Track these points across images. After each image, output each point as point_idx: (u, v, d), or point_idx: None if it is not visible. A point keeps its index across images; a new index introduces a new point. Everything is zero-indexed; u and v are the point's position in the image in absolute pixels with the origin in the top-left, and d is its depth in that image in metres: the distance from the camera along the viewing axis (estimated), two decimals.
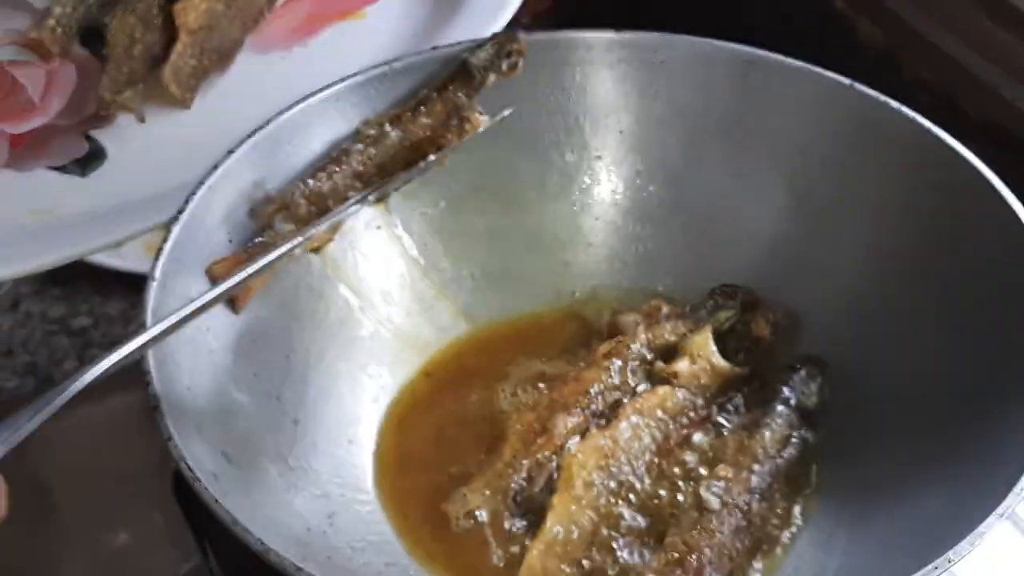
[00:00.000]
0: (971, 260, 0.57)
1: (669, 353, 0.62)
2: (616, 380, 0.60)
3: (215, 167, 0.57)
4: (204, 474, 0.47)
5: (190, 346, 0.54)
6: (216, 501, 0.46)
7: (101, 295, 0.81)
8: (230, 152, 0.58)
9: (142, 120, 0.69)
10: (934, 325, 0.58)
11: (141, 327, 0.50)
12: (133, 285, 0.79)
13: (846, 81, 0.62)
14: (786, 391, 0.59)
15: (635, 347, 0.61)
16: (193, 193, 0.56)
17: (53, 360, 0.77)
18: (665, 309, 0.64)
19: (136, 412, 0.64)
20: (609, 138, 0.67)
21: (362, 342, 0.62)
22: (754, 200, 0.65)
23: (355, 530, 0.56)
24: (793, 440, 0.58)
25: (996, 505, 0.46)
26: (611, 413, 0.59)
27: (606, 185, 0.67)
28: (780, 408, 0.59)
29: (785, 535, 0.56)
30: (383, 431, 0.61)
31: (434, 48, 0.65)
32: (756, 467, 0.56)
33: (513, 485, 0.57)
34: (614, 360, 0.61)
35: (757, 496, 0.56)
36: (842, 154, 0.63)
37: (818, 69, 0.63)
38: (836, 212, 0.63)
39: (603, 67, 0.66)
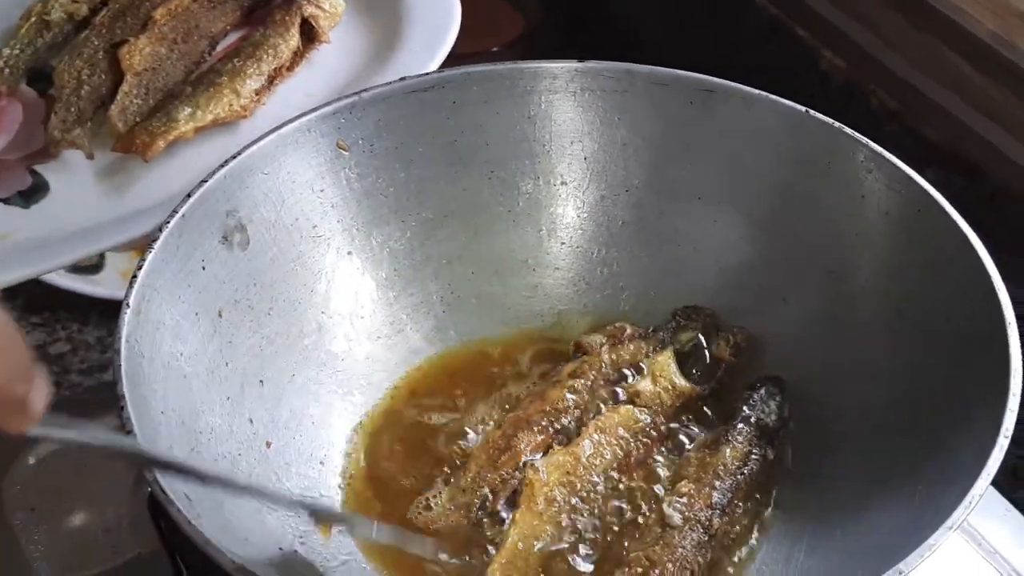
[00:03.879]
0: (926, 286, 0.59)
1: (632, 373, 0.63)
2: (580, 399, 0.62)
3: (188, 195, 0.58)
4: (177, 496, 0.48)
5: (164, 371, 0.54)
6: (189, 522, 0.47)
7: (79, 322, 0.81)
8: (203, 181, 0.59)
9: (91, 157, 0.71)
10: (890, 348, 0.60)
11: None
12: (110, 312, 0.80)
13: (801, 108, 0.64)
14: (746, 409, 0.61)
15: (598, 367, 0.63)
16: (167, 221, 0.57)
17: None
18: (628, 330, 0.65)
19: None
20: (574, 164, 0.68)
21: (334, 365, 0.64)
22: (715, 225, 0.67)
23: (325, 549, 0.57)
24: (753, 457, 0.59)
25: (946, 518, 0.47)
26: (574, 431, 0.60)
27: (572, 210, 0.69)
28: (740, 426, 0.60)
29: (745, 550, 0.57)
30: (354, 452, 0.62)
31: (402, 79, 0.66)
32: (717, 483, 0.58)
33: (476, 500, 0.58)
34: (578, 380, 0.62)
35: (718, 511, 0.57)
36: (800, 181, 0.64)
37: (775, 97, 0.64)
38: (795, 237, 0.64)
39: (567, 96, 0.67)
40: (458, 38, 0.77)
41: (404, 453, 0.63)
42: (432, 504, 0.59)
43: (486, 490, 0.59)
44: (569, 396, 0.62)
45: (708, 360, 0.64)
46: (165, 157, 0.69)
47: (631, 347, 0.64)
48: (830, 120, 0.63)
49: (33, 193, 0.70)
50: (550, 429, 0.61)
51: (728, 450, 0.59)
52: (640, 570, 0.55)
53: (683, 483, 0.58)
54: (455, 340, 0.68)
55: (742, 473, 0.59)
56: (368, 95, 0.65)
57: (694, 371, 0.64)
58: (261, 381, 0.60)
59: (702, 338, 0.65)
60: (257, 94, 0.71)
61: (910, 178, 0.60)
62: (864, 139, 0.62)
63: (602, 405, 0.62)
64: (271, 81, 0.73)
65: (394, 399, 0.65)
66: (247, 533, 0.53)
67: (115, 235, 0.65)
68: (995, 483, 0.49)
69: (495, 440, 0.61)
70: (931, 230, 0.59)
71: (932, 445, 0.54)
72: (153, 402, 0.53)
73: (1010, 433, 0.49)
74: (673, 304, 0.67)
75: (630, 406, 0.62)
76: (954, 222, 0.57)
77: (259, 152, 0.62)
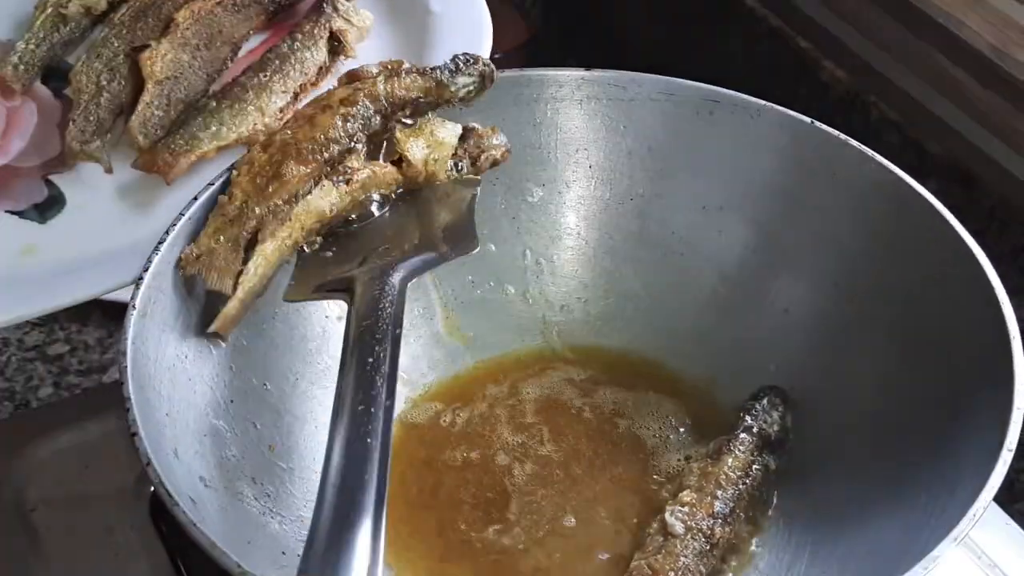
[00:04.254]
0: (930, 298, 0.59)
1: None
2: (350, 128, 0.60)
3: (195, 198, 0.58)
4: (182, 499, 0.48)
5: (169, 374, 0.54)
6: (194, 525, 0.46)
7: (78, 323, 0.81)
8: (211, 184, 0.59)
9: (109, 171, 0.67)
10: (892, 360, 0.60)
11: None
12: (110, 313, 0.81)
13: (807, 119, 0.64)
14: (748, 419, 0.61)
15: (373, 96, 0.61)
16: (174, 224, 0.57)
17: (29, 386, 0.78)
18: (407, 64, 0.63)
19: (114, 438, 0.65)
20: (579, 172, 0.69)
21: (337, 370, 0.63)
22: (719, 234, 0.67)
23: None
24: (755, 467, 0.59)
25: (950, 530, 0.47)
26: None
27: (576, 218, 0.69)
28: (743, 435, 0.60)
29: (747, 559, 0.57)
30: None
31: None
32: (719, 493, 0.58)
33: (245, 233, 0.56)
34: (350, 107, 0.60)
35: (720, 521, 0.57)
36: (805, 191, 0.64)
37: (780, 107, 0.65)
38: (799, 248, 0.65)
39: (574, 104, 0.67)
40: None
41: (407, 458, 0.63)
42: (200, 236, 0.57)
43: (254, 223, 0.57)
44: (339, 123, 0.59)
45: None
46: (190, 176, 0.65)
47: (407, 81, 0.62)
48: (835, 131, 0.63)
49: (49, 207, 0.67)
50: (320, 158, 0.58)
51: (730, 459, 0.59)
52: None
53: (685, 492, 0.58)
54: (458, 346, 0.68)
55: (744, 483, 0.59)
56: None
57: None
58: (265, 385, 0.60)
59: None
60: (281, 111, 0.68)
61: (915, 190, 0.60)
62: (869, 151, 0.62)
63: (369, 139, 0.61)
64: (295, 97, 0.69)
65: (398, 406, 0.64)
66: (250, 537, 0.53)
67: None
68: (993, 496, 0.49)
69: (262, 166, 0.58)
70: (936, 242, 0.59)
71: (935, 457, 0.54)
72: (158, 404, 0.53)
73: (1014, 447, 0.50)
74: (678, 312, 0.67)
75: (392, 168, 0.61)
76: (959, 235, 0.58)
77: None
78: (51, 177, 0.69)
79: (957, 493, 0.50)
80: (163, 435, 0.52)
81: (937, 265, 0.59)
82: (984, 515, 0.48)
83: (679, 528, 0.56)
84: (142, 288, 0.55)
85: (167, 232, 0.57)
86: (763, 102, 0.65)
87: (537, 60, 0.68)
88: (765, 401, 0.62)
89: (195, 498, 0.50)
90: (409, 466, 0.62)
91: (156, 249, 0.56)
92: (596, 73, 0.67)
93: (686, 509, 0.57)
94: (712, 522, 0.57)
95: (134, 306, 0.54)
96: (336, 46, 0.72)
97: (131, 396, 0.51)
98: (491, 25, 0.74)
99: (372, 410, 0.50)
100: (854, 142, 0.63)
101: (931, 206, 0.59)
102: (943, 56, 0.83)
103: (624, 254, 0.69)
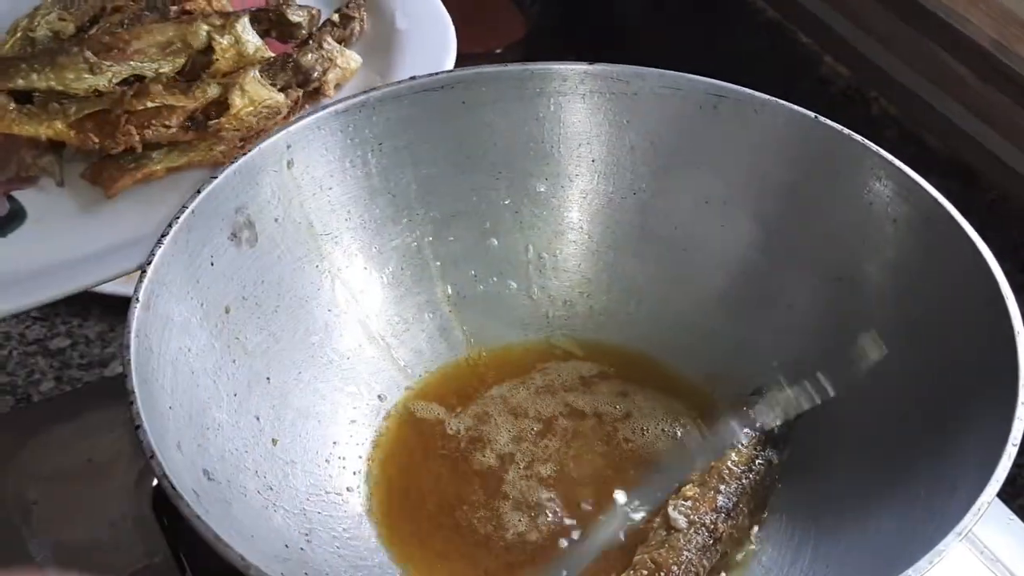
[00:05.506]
0: (933, 293, 0.59)
1: None
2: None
3: (198, 191, 0.58)
4: (186, 491, 0.48)
5: (172, 367, 0.54)
6: (198, 517, 0.47)
7: (79, 317, 0.81)
8: (213, 177, 0.59)
9: (60, 184, 0.70)
10: (894, 353, 0.60)
11: None
12: (111, 307, 0.81)
13: (811, 114, 0.64)
14: (752, 414, 0.61)
15: None
16: (177, 217, 0.57)
17: (31, 380, 0.78)
18: None
19: (116, 431, 0.65)
20: (582, 166, 0.68)
21: (340, 364, 0.64)
22: (722, 229, 0.67)
23: (331, 547, 0.57)
24: (759, 461, 0.59)
25: (954, 524, 0.47)
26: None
27: (579, 212, 0.69)
28: (746, 431, 0.60)
29: (750, 554, 0.57)
30: (360, 450, 0.62)
31: (412, 78, 0.66)
32: (722, 487, 0.58)
33: None
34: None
35: (723, 515, 0.57)
36: (808, 186, 0.64)
37: (784, 102, 0.64)
38: (802, 243, 0.65)
39: (577, 98, 0.67)
40: (461, 38, 0.77)
41: (411, 452, 0.63)
42: None
43: None
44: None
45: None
46: (156, 187, 0.68)
47: None
48: (839, 126, 0.63)
49: (9, 221, 0.69)
50: None
51: (733, 454, 0.59)
52: (645, 572, 0.55)
53: (688, 487, 0.58)
54: (462, 341, 0.68)
55: (747, 477, 0.59)
56: (378, 94, 0.65)
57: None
58: (268, 378, 0.60)
59: None
60: (242, 141, 0.70)
61: (919, 185, 0.60)
62: (873, 146, 0.62)
63: None
64: (259, 134, 0.71)
65: (401, 398, 0.65)
66: (253, 530, 0.53)
67: (100, 271, 0.64)
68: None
69: None
70: (939, 238, 0.59)
71: (939, 452, 0.54)
72: (161, 397, 0.53)
73: (1018, 441, 0.50)
74: (680, 307, 0.67)
75: None
76: (963, 230, 0.58)
77: (269, 149, 0.62)
78: (13, 193, 0.70)
79: (961, 488, 0.50)
80: (166, 428, 0.52)
81: (940, 261, 0.59)
82: (987, 510, 0.48)
83: (682, 522, 0.56)
84: (145, 281, 0.54)
85: (170, 225, 0.57)
86: (767, 96, 0.65)
87: (536, 55, 0.68)
88: (768, 396, 0.62)
89: (198, 491, 0.50)
90: (409, 462, 0.62)
91: (159, 242, 0.56)
92: (600, 67, 0.67)
93: (689, 503, 0.57)
94: (715, 516, 0.57)
95: (137, 299, 0.54)
96: (315, 85, 0.74)
97: (135, 389, 0.51)
98: (455, 42, 0.75)
99: None
100: (858, 137, 0.63)
101: (935, 201, 0.59)
102: (944, 51, 0.83)
103: (627, 249, 0.69)
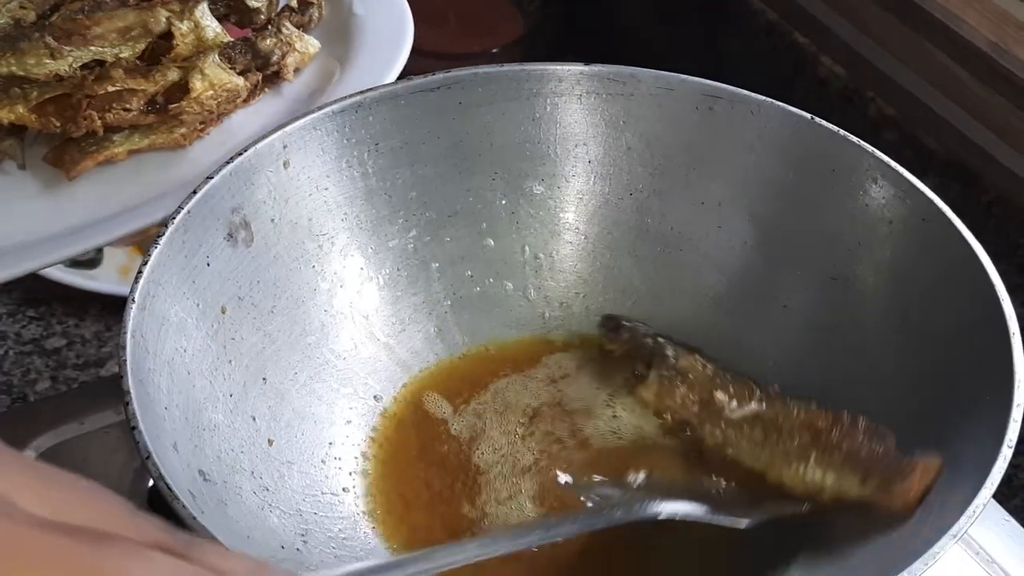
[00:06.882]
0: (929, 294, 0.59)
1: None
2: None
3: (194, 192, 0.58)
4: (182, 492, 0.48)
5: (168, 368, 0.54)
6: (194, 518, 0.47)
7: (76, 317, 0.81)
8: (209, 178, 0.59)
9: (22, 167, 0.70)
10: (891, 355, 0.60)
11: None
12: (107, 307, 0.81)
13: (807, 115, 0.64)
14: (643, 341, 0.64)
15: None
16: (173, 217, 0.57)
17: (27, 380, 0.78)
18: None
19: (112, 431, 0.65)
20: (579, 167, 0.68)
21: (336, 364, 0.64)
22: (718, 230, 0.67)
23: (327, 548, 0.57)
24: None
25: (950, 526, 0.47)
26: None
27: (575, 213, 0.69)
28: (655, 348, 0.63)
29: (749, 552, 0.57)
30: (356, 451, 0.62)
31: (408, 79, 0.66)
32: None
33: None
34: None
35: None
36: (804, 187, 0.64)
37: (780, 103, 0.64)
38: (798, 243, 0.65)
39: (573, 99, 0.67)
40: (458, 39, 0.77)
41: (408, 453, 0.63)
42: None
43: None
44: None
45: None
46: (117, 169, 0.69)
47: None
48: (835, 128, 0.63)
49: None
50: None
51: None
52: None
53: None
54: (458, 341, 0.68)
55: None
56: (374, 94, 0.65)
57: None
58: (264, 379, 0.60)
59: None
60: (202, 124, 0.71)
61: (915, 187, 0.60)
62: (869, 147, 0.62)
63: None
64: (219, 118, 0.72)
65: (397, 399, 0.65)
66: (249, 531, 0.53)
67: (61, 250, 0.64)
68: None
69: None
70: (935, 239, 0.59)
71: (935, 450, 0.54)
72: (157, 397, 0.53)
73: (1014, 443, 0.50)
74: (676, 307, 0.67)
75: None
76: (959, 232, 0.58)
77: (264, 149, 0.61)
78: None
79: (956, 490, 0.50)
80: (162, 429, 0.52)
81: (937, 262, 0.59)
82: (983, 512, 0.48)
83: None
84: (141, 281, 0.54)
85: (165, 226, 0.57)
86: (763, 98, 0.65)
87: (534, 55, 0.68)
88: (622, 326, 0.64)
89: (194, 492, 0.50)
90: (405, 463, 0.62)
91: (155, 243, 0.56)
92: (596, 68, 0.67)
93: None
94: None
95: (133, 300, 0.54)
96: (274, 69, 0.74)
97: (131, 390, 0.51)
98: (412, 28, 0.76)
99: None
100: (854, 138, 0.63)
101: (931, 203, 0.59)
102: (942, 52, 0.83)
103: (623, 249, 0.69)
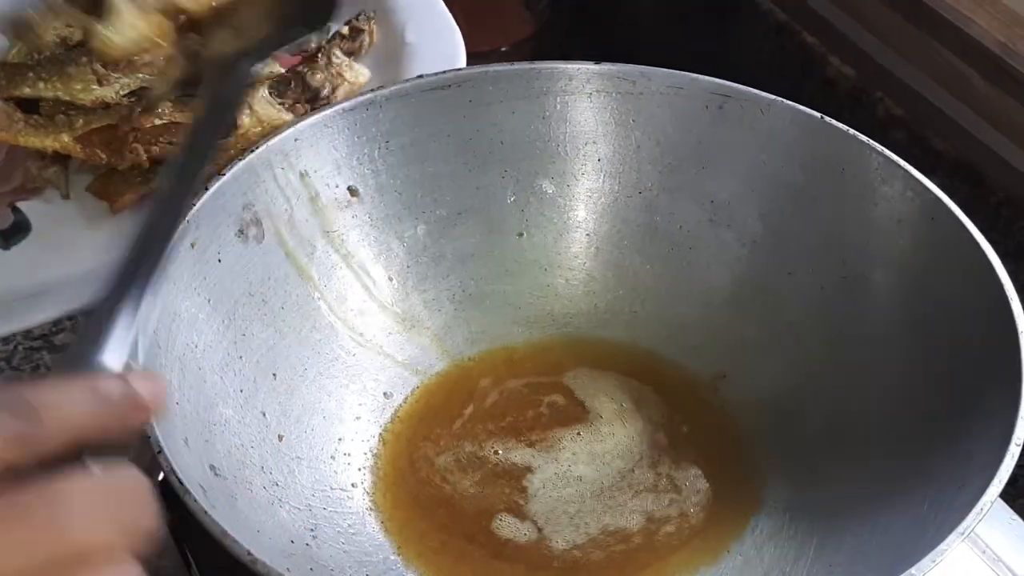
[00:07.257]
0: (938, 294, 0.59)
1: None
2: None
3: (206, 188, 0.59)
4: (193, 486, 0.48)
5: (179, 363, 0.55)
6: (205, 512, 0.47)
7: (84, 313, 0.81)
8: (220, 174, 0.59)
9: (66, 196, 0.69)
10: (900, 354, 0.60)
11: None
12: None
13: (817, 115, 0.64)
14: None
15: None
16: (184, 213, 0.57)
17: (36, 375, 0.78)
18: None
19: None
20: (588, 165, 0.69)
21: (345, 361, 0.64)
22: (728, 228, 0.67)
23: (336, 543, 0.57)
24: None
25: (957, 524, 0.48)
26: None
27: (584, 211, 0.69)
28: None
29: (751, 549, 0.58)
30: (366, 447, 0.63)
31: (419, 77, 0.66)
32: None
33: None
34: None
35: None
36: (814, 186, 0.64)
37: (790, 103, 0.65)
38: (808, 243, 0.65)
39: (583, 97, 0.67)
40: (468, 37, 0.77)
41: (414, 449, 0.63)
42: None
43: None
44: None
45: None
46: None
47: None
48: (845, 127, 0.63)
49: (14, 233, 0.69)
50: None
51: None
52: None
53: None
54: (465, 339, 0.68)
55: None
56: (386, 92, 0.65)
57: None
58: (274, 375, 0.60)
59: None
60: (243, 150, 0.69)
61: (924, 187, 0.60)
62: (879, 147, 0.62)
63: None
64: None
65: (406, 396, 0.65)
66: (259, 526, 0.54)
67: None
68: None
69: None
70: (944, 239, 0.59)
71: (942, 451, 0.54)
72: (168, 393, 0.53)
73: (1021, 442, 0.50)
74: (685, 306, 0.67)
75: None
76: (968, 231, 0.58)
77: (276, 147, 0.62)
78: (18, 204, 0.70)
79: (964, 488, 0.50)
80: (173, 424, 0.52)
81: (946, 262, 0.59)
82: (990, 510, 0.48)
83: None
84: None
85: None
86: (773, 97, 0.65)
87: (544, 54, 0.68)
88: None
89: (205, 486, 0.50)
90: (415, 459, 0.63)
91: None
92: (606, 67, 0.67)
93: None
94: None
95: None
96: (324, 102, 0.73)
97: None
98: (464, 56, 0.75)
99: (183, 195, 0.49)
100: (864, 137, 0.63)
101: (941, 202, 0.59)
102: (950, 52, 0.83)
103: (632, 248, 0.69)
